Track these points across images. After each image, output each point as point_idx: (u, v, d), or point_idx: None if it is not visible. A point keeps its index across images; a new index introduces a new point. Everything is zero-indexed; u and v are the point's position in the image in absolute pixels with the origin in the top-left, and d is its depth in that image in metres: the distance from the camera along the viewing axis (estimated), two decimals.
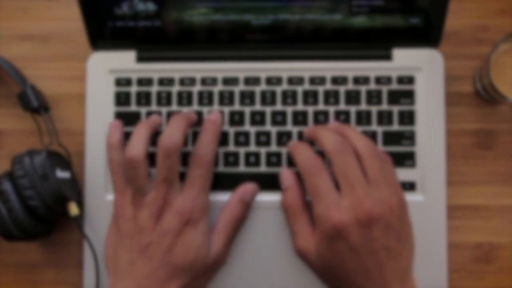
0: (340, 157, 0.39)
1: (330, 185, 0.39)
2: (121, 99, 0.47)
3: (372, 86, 0.46)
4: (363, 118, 0.46)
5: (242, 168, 0.45)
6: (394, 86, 0.46)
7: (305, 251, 0.40)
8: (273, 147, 0.46)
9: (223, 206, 0.44)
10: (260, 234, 0.45)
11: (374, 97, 0.46)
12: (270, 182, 0.45)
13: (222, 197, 0.45)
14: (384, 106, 0.46)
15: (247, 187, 0.44)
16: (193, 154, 0.42)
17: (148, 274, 0.38)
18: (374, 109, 0.46)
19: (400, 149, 0.45)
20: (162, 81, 0.47)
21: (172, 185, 0.40)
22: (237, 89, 0.46)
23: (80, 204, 0.45)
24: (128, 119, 0.46)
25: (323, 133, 0.42)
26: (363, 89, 0.46)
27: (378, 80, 0.46)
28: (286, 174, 0.44)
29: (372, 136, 0.45)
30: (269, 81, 0.46)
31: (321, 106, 0.46)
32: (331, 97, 0.46)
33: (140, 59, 0.47)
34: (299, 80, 0.46)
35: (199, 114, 0.46)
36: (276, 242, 0.44)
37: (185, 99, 0.46)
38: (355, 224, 0.37)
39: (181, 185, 0.41)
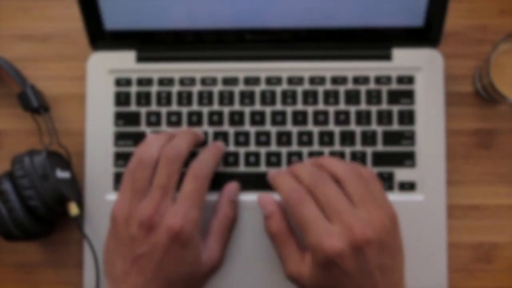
0: (319, 187, 0.38)
1: (318, 214, 0.38)
2: (121, 99, 0.47)
3: (372, 86, 0.46)
4: (363, 118, 0.46)
5: (242, 168, 0.45)
6: (394, 86, 0.46)
7: (296, 276, 0.39)
8: (273, 147, 0.46)
9: (214, 208, 0.44)
10: (259, 233, 0.45)
11: (374, 97, 0.46)
12: None
13: None
14: (384, 106, 0.46)
15: (233, 186, 0.44)
16: (190, 168, 0.41)
17: (142, 285, 0.38)
18: (374, 109, 0.46)
19: (400, 149, 0.45)
20: (162, 81, 0.47)
21: (166, 194, 0.39)
22: (237, 89, 0.46)
23: (80, 204, 0.45)
24: (128, 119, 0.46)
25: (299, 171, 0.41)
26: (363, 89, 0.46)
27: (378, 80, 0.46)
28: (265, 201, 0.42)
29: (372, 136, 0.45)
30: (269, 81, 0.46)
31: (321, 106, 0.46)
32: (331, 97, 0.46)
33: (140, 59, 0.47)
34: (299, 80, 0.46)
35: (199, 115, 0.46)
36: None
37: (185, 99, 0.46)
38: (349, 250, 0.36)
39: (176, 197, 0.40)
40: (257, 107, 0.46)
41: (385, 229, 0.37)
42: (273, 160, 0.45)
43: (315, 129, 0.46)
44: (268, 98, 0.46)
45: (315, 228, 0.37)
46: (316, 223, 0.37)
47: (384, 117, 0.46)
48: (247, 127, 0.46)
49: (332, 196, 0.38)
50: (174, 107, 0.46)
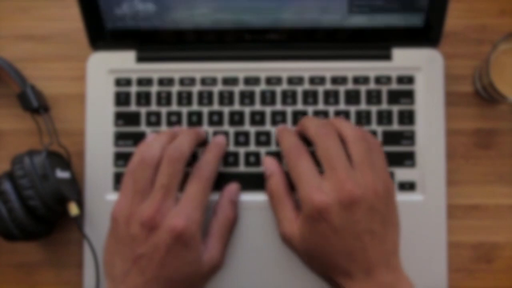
0: (323, 140, 0.40)
1: (312, 169, 0.39)
2: (121, 99, 0.47)
3: (372, 86, 0.46)
4: (363, 118, 0.46)
5: (242, 168, 0.45)
6: (394, 86, 0.46)
7: (289, 236, 0.40)
8: (273, 147, 0.46)
9: (214, 209, 0.44)
10: (259, 233, 0.45)
11: (373, 97, 0.46)
12: None
13: None
14: (384, 106, 0.46)
15: (233, 187, 0.44)
16: (193, 170, 0.41)
17: (142, 286, 0.38)
18: (373, 109, 0.46)
19: (400, 149, 0.45)
20: (162, 81, 0.47)
21: (168, 194, 0.39)
22: (237, 89, 0.46)
23: (80, 204, 0.45)
24: (128, 119, 0.46)
25: (308, 121, 0.42)
26: (362, 89, 0.46)
27: (378, 80, 0.46)
28: (269, 161, 0.44)
29: None
30: (269, 81, 0.46)
31: (320, 106, 0.46)
32: (331, 97, 0.46)
33: (140, 59, 0.47)
34: (299, 80, 0.46)
35: (199, 115, 0.46)
36: (275, 241, 0.44)
37: (185, 99, 0.46)
38: (337, 206, 0.37)
39: (178, 197, 0.40)
40: (257, 107, 0.46)
41: (377, 194, 0.38)
42: None
43: None
44: (268, 98, 0.46)
45: (307, 181, 0.38)
46: (309, 177, 0.39)
47: (384, 117, 0.46)
48: (247, 127, 0.46)
49: (333, 151, 0.39)
50: (174, 107, 0.46)
